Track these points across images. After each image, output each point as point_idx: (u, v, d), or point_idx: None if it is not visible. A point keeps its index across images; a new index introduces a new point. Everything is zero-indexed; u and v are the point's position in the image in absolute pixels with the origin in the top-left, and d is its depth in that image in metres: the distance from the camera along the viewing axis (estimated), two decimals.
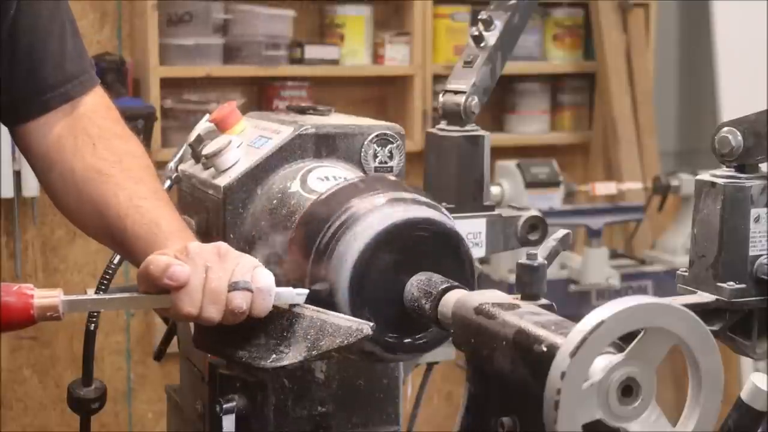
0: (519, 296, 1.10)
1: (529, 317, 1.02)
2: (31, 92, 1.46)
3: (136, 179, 1.42)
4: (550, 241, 1.26)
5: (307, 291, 1.25)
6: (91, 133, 1.46)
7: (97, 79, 1.53)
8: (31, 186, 3.19)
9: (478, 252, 1.64)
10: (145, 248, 1.32)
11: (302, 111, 1.59)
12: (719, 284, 1.20)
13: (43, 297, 1.17)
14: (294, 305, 1.25)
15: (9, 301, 1.16)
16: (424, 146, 1.73)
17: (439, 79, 3.62)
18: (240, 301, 1.21)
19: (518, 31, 1.71)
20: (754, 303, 1.21)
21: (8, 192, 3.18)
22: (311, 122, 1.48)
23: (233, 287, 1.21)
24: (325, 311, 1.23)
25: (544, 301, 1.09)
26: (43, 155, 1.48)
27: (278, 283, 1.26)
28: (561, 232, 1.28)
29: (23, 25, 1.43)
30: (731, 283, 1.20)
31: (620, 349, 0.92)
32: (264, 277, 1.24)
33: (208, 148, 1.47)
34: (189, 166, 1.59)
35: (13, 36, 1.43)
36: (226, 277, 1.22)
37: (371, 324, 1.20)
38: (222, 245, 1.26)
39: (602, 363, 0.90)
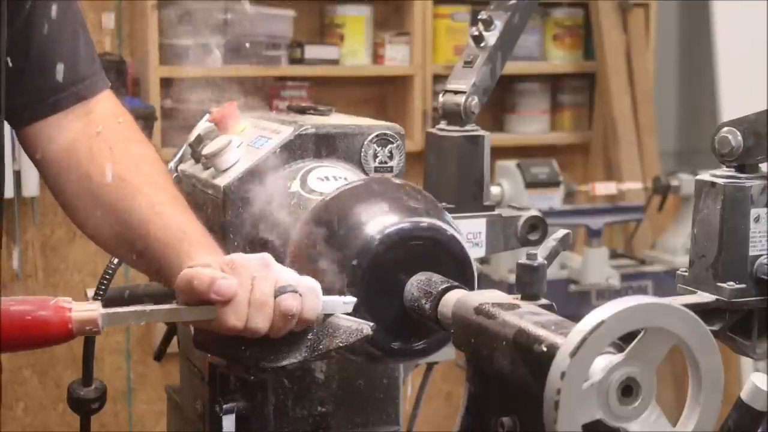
0: (519, 296, 1.10)
1: (529, 317, 1.02)
2: (43, 92, 1.45)
3: (156, 185, 1.40)
4: (550, 241, 1.26)
5: (354, 299, 1.22)
6: (108, 138, 1.44)
7: (108, 82, 1.52)
8: (31, 186, 3.19)
9: (478, 252, 1.64)
10: (170, 255, 1.30)
11: (302, 111, 1.59)
12: (719, 284, 1.20)
13: (82, 311, 1.13)
14: (329, 315, 1.22)
15: (46, 316, 1.11)
16: (424, 146, 1.73)
17: (439, 79, 3.63)
18: (291, 302, 1.19)
19: (518, 31, 1.71)
20: (754, 303, 1.21)
21: (8, 192, 3.18)
22: (311, 122, 1.48)
23: (280, 291, 1.19)
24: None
25: (544, 301, 1.09)
26: (53, 158, 1.46)
27: None
28: (561, 232, 1.28)
29: (36, 26, 1.43)
30: (731, 283, 1.20)
31: (620, 349, 0.92)
32: (310, 280, 1.22)
33: (208, 148, 1.47)
34: (189, 166, 1.59)
35: (26, 37, 1.43)
36: (271, 285, 1.20)
37: (371, 324, 1.20)
38: (266, 256, 1.24)
39: (602, 363, 0.90)
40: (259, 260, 1.23)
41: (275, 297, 1.19)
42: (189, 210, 1.39)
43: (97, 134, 1.44)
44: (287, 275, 1.22)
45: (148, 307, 1.20)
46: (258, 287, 1.19)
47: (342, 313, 1.22)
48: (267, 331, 1.20)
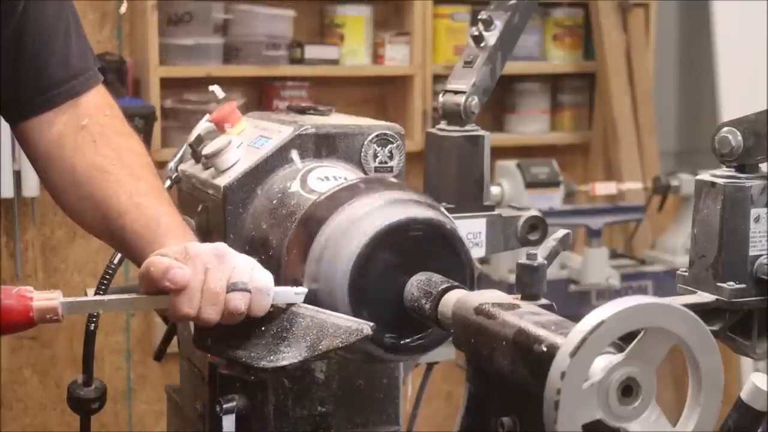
0: (519, 296, 1.10)
1: (529, 317, 1.02)
2: (37, 89, 1.46)
3: (137, 176, 1.42)
4: (550, 241, 1.26)
5: (305, 290, 1.25)
6: (92, 131, 1.46)
7: (101, 76, 1.53)
8: (31, 186, 3.19)
9: (478, 252, 1.64)
10: (144, 246, 1.33)
11: (302, 111, 1.59)
12: (719, 284, 1.20)
13: (43, 299, 1.17)
14: (292, 304, 1.25)
15: (8, 304, 1.15)
16: (424, 146, 1.73)
17: (439, 79, 3.63)
18: (238, 302, 1.22)
19: (518, 31, 1.71)
20: (754, 303, 1.21)
21: (8, 192, 3.18)
22: (311, 122, 1.48)
23: (231, 288, 1.22)
24: (325, 311, 1.23)
25: (544, 301, 1.09)
26: (43, 152, 1.48)
27: (278, 283, 1.26)
28: (561, 232, 1.28)
29: (29, 24, 1.44)
30: (731, 283, 1.20)
31: (620, 349, 0.92)
32: (262, 278, 1.24)
33: (208, 148, 1.47)
34: (189, 166, 1.59)
35: (20, 34, 1.43)
36: (225, 278, 1.22)
37: (371, 324, 1.20)
38: (220, 246, 1.27)
39: (602, 363, 0.90)
40: (212, 250, 1.25)
41: (228, 292, 1.22)
42: (169, 201, 1.42)
43: (83, 127, 1.46)
44: (242, 267, 1.24)
45: (107, 297, 1.25)
46: (211, 279, 1.22)
47: (293, 303, 1.24)
48: (218, 321, 1.23)
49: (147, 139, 3.10)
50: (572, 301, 3.17)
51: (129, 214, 1.37)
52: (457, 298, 1.15)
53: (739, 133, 1.19)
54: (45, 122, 1.47)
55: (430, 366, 1.83)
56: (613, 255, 3.48)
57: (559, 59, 3.91)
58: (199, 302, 1.21)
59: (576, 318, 0.92)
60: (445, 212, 1.31)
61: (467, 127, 1.66)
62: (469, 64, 1.69)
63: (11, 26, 1.42)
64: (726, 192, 1.19)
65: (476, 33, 1.69)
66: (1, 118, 1.53)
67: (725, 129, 1.20)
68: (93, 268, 3.37)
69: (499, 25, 1.69)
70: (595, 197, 3.60)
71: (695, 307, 1.15)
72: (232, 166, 1.45)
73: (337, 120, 1.54)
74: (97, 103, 1.50)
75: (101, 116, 1.48)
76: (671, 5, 4.19)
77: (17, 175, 3.19)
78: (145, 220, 1.36)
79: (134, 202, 1.38)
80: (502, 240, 1.67)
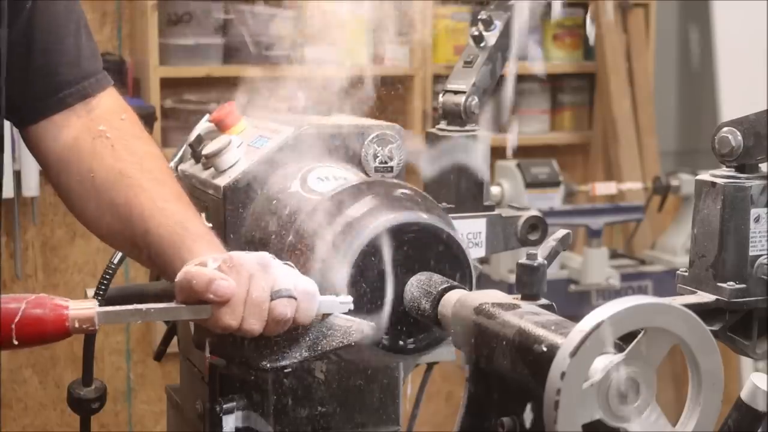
0: (519, 296, 1.10)
1: (529, 317, 1.02)
2: (48, 89, 1.44)
3: (159, 181, 1.39)
4: (550, 241, 1.26)
5: (351, 299, 1.22)
6: (110, 135, 1.43)
7: (111, 80, 1.51)
8: (31, 186, 3.19)
9: (478, 252, 1.64)
10: (171, 251, 1.30)
11: (302, 111, 1.59)
12: (719, 284, 1.20)
13: (79, 309, 1.13)
14: (329, 315, 1.22)
15: (43, 314, 1.12)
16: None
17: (439, 79, 3.63)
18: (284, 308, 1.19)
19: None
20: (754, 303, 1.21)
21: (8, 192, 3.18)
22: (311, 122, 1.48)
23: (276, 295, 1.19)
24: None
25: (544, 301, 1.09)
26: (57, 157, 1.45)
27: None
28: (561, 232, 1.28)
29: (39, 24, 1.42)
30: (731, 283, 1.20)
31: (620, 349, 0.92)
32: (307, 283, 1.22)
33: (208, 148, 1.47)
34: (189, 166, 1.59)
35: (29, 35, 1.42)
36: (268, 287, 1.19)
37: (371, 324, 1.20)
38: (264, 255, 1.24)
39: (602, 363, 0.90)
40: (257, 259, 1.22)
41: (271, 300, 1.19)
42: (191, 206, 1.39)
43: (100, 131, 1.43)
44: (286, 276, 1.21)
45: (145, 306, 1.19)
46: (254, 289, 1.19)
47: (339, 312, 1.22)
48: (261, 331, 1.20)
49: None
50: (572, 301, 3.17)
51: (154, 218, 1.34)
52: (457, 298, 1.15)
53: (739, 133, 1.19)
54: (57, 125, 1.45)
55: (430, 366, 1.83)
56: (613, 255, 3.48)
57: (559, 59, 3.91)
58: (242, 313, 1.18)
59: (576, 318, 0.92)
60: (444, 214, 1.31)
61: (467, 127, 1.66)
62: (469, 64, 1.69)
63: (19, 26, 1.41)
64: (726, 192, 1.19)
65: (476, 33, 1.69)
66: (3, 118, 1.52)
67: (725, 129, 1.20)
68: (93, 268, 3.37)
69: (499, 25, 1.69)
70: (595, 197, 3.60)
71: (695, 307, 1.15)
72: (232, 166, 1.45)
73: (337, 120, 1.54)
74: (111, 107, 1.48)
75: (117, 120, 1.46)
76: (671, 5, 4.19)
77: (17, 175, 3.19)
78: (171, 225, 1.33)
79: (158, 206, 1.35)
80: (502, 240, 1.67)
